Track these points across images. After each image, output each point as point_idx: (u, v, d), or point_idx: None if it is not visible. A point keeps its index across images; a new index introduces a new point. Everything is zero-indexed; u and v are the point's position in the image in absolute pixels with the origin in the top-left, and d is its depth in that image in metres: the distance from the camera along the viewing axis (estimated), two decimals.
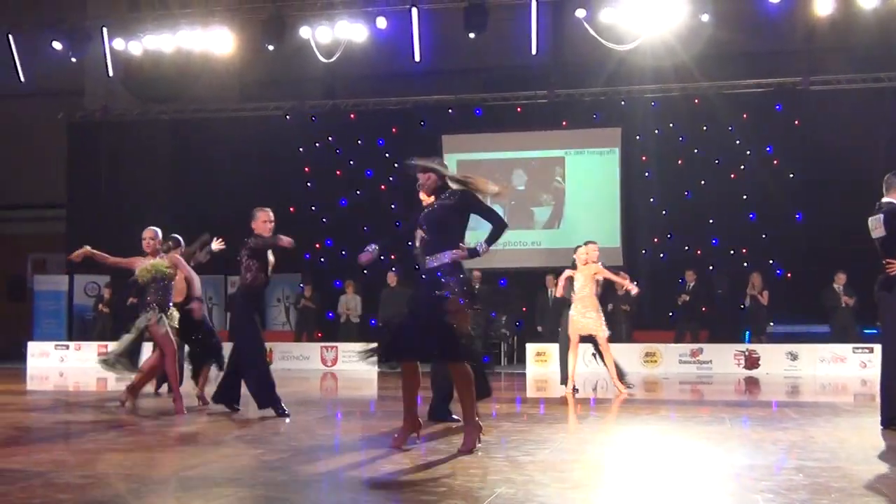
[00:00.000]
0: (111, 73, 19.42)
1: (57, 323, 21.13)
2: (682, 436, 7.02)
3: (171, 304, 9.12)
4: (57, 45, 18.86)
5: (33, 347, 19.18)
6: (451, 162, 20.29)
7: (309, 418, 8.44)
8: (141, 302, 9.11)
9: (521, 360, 17.32)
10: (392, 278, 17.87)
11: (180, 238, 9.95)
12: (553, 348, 16.76)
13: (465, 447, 6.00)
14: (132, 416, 8.55)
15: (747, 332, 17.22)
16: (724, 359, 16.17)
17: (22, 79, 19.18)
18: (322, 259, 20.85)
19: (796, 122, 19.11)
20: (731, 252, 18.76)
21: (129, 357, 9.09)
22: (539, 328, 17.90)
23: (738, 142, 19.25)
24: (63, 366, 18.27)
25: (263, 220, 8.63)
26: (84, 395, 12.20)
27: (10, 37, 18.92)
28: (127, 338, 9.08)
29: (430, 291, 6.03)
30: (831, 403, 9.85)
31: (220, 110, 21.73)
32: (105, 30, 18.74)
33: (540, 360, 16.92)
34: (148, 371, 9.44)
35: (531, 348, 17.26)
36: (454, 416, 7.56)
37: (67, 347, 19.03)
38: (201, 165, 21.19)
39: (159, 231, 9.23)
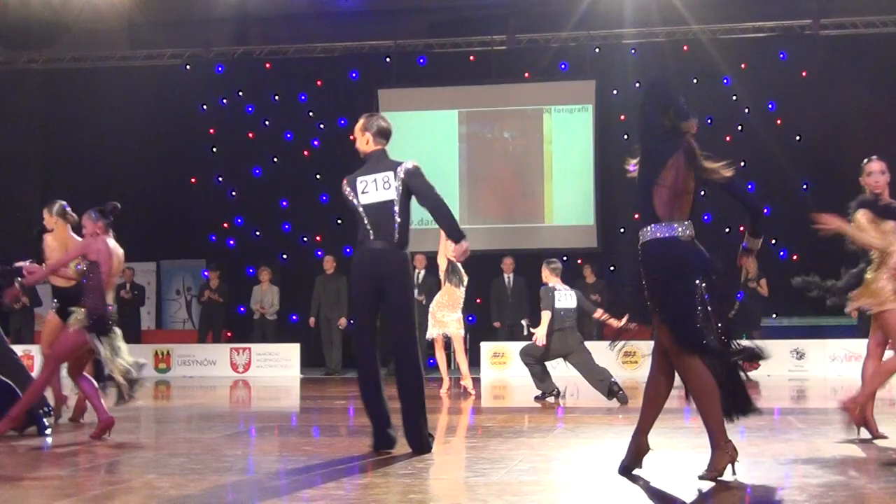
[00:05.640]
0: None
1: None
2: (666, 450, 7.11)
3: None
4: None
5: None
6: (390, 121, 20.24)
7: (215, 436, 8.42)
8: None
9: (475, 361, 17.38)
10: (329, 263, 17.92)
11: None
12: (513, 348, 16.92)
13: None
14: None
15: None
16: None
17: None
18: (231, 241, 20.73)
19: (804, 74, 19.37)
20: (727, 230, 18.94)
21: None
22: (496, 324, 18.04)
23: (734, 97, 19.45)
24: None
25: None
26: None
27: None
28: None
29: None
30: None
31: (105, 59, 21.49)
32: None
33: (498, 363, 17.06)
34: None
35: (487, 347, 17.39)
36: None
37: None
38: (81, 127, 20.90)
39: None
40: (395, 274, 7.07)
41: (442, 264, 13.14)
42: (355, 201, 7.15)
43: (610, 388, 11.24)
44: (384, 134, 7.36)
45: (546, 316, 11.62)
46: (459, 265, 13.15)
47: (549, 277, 12.01)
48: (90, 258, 8.27)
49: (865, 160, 7.84)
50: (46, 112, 21.87)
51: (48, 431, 8.38)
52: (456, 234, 7.22)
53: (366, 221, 7.10)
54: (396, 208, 7.10)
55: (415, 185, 7.17)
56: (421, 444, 6.99)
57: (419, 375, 7.06)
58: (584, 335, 12.27)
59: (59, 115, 21.60)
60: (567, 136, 20.13)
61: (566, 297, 11.86)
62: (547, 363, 11.93)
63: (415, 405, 7.00)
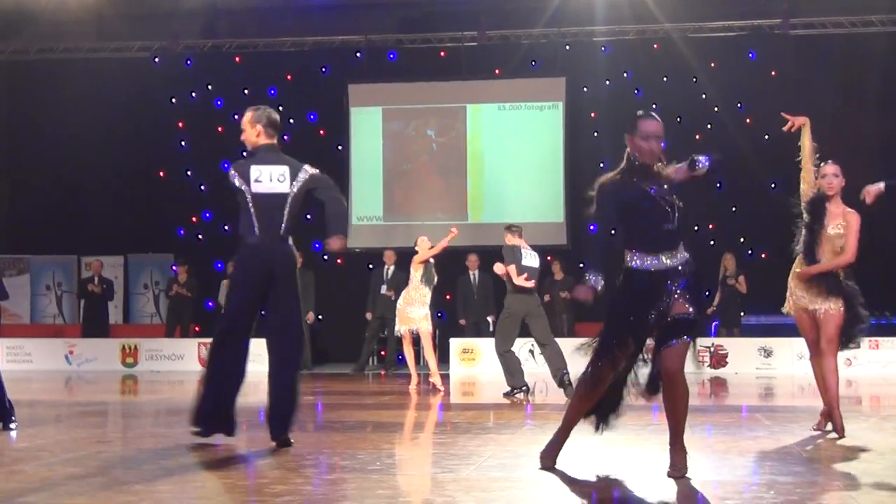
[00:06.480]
0: None
1: None
2: (634, 447, 7.13)
3: None
4: None
5: None
6: (358, 116, 20.25)
7: (181, 431, 8.36)
8: None
9: (444, 358, 17.39)
10: (297, 258, 17.81)
11: None
12: (482, 344, 16.93)
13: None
14: None
15: (714, 325, 17.52)
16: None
17: None
18: (199, 236, 20.63)
19: (773, 73, 19.46)
20: (696, 228, 19.03)
21: None
22: (462, 321, 18.03)
23: (704, 96, 19.53)
24: None
25: None
26: None
27: None
28: None
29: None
30: (810, 408, 10.07)
31: (72, 51, 21.29)
32: None
33: (466, 359, 17.06)
34: None
35: (456, 344, 17.39)
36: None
37: None
38: (48, 120, 20.76)
39: None
40: (283, 272, 7.19)
41: (417, 270, 13.22)
42: (244, 188, 7.18)
43: (561, 379, 11.34)
44: (274, 125, 7.44)
45: (513, 269, 11.62)
46: (433, 266, 13.20)
47: (512, 240, 11.99)
48: None
49: (822, 163, 8.09)
50: (12, 104, 21.71)
51: (13, 426, 8.32)
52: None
53: (252, 211, 7.20)
54: (289, 202, 7.27)
55: (321, 184, 7.48)
56: (285, 438, 7.27)
57: (297, 388, 7.53)
58: (554, 331, 12.32)
59: (25, 107, 21.44)
60: (537, 132, 20.14)
61: (531, 257, 11.87)
62: (520, 359, 12.04)
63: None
